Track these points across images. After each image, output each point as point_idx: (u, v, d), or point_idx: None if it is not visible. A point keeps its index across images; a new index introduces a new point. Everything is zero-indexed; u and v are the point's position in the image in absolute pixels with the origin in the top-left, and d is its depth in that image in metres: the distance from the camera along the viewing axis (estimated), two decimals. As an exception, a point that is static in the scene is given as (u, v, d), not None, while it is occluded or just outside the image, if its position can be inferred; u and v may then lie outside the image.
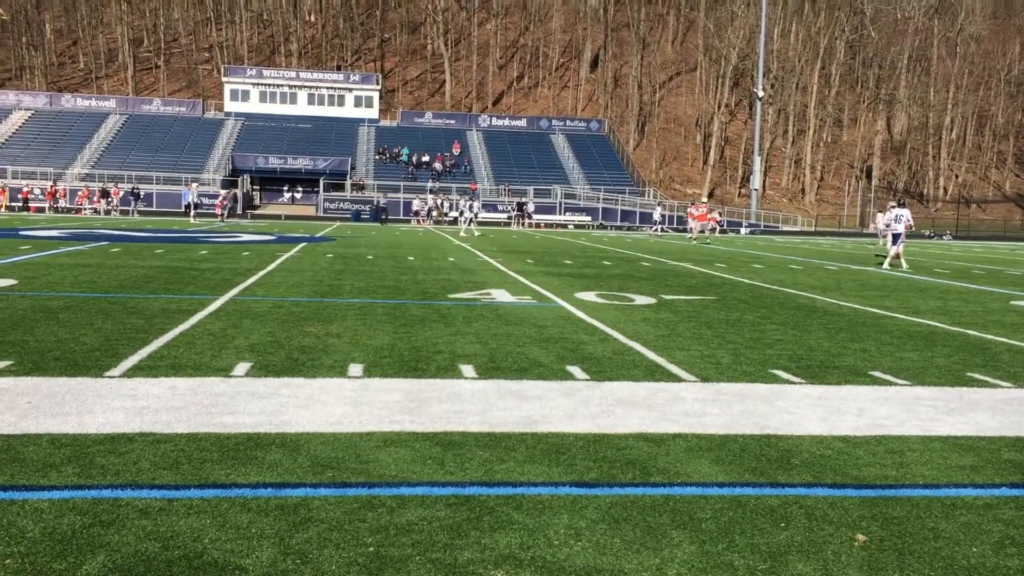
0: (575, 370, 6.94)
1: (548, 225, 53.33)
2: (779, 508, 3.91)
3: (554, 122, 72.08)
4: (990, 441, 5.21)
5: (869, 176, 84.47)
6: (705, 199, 51.91)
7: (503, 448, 4.69)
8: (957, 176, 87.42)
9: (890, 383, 6.88)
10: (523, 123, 71.85)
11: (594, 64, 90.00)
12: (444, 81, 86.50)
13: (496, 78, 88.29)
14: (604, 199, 58.37)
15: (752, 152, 63.11)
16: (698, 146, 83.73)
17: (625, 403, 5.87)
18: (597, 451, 4.70)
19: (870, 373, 7.25)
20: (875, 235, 43.92)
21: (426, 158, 64.07)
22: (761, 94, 59.63)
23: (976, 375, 7.33)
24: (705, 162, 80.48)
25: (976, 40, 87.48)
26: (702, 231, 36.72)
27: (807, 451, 4.85)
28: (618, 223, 56.50)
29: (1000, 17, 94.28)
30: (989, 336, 9.71)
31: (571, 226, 53.99)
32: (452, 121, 71.51)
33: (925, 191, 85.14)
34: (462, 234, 35.10)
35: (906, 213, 22.04)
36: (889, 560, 3.38)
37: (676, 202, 63.02)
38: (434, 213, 52.45)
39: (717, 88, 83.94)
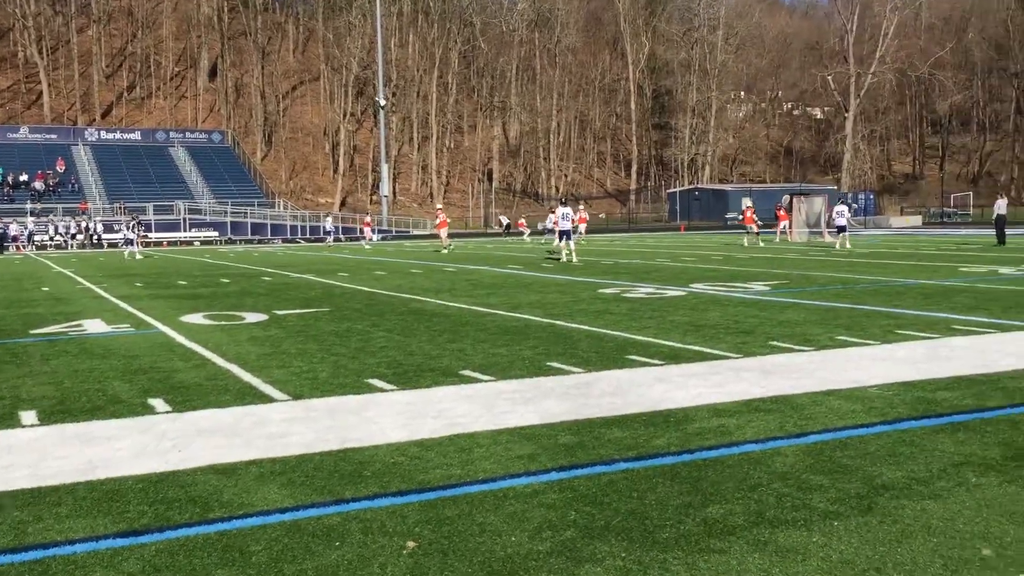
0: (158, 402, 6.51)
1: (171, 243, 50.39)
2: (338, 526, 3.89)
3: (172, 134, 68.39)
4: (552, 427, 5.62)
5: (491, 179, 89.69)
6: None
7: (46, 504, 4.22)
8: (566, 176, 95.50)
9: (477, 380, 7.22)
10: (137, 136, 67.36)
11: (213, 73, 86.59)
12: (41, 92, 78.55)
13: (104, 88, 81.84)
14: (232, 213, 56.38)
15: (380, 159, 64.36)
16: (327, 155, 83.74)
17: (207, 432, 5.58)
18: (158, 492, 4.39)
19: (460, 372, 7.57)
20: (499, 234, 46.73)
21: (24, 177, 57.73)
22: (383, 103, 60.97)
23: (555, 364, 7.92)
24: (336, 171, 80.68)
25: (572, 52, 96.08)
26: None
27: (381, 461, 4.91)
28: (249, 236, 54.85)
29: (591, 31, 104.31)
30: (573, 325, 10.60)
31: (197, 243, 51.49)
32: (54, 136, 65.17)
33: (540, 190, 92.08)
34: (126, 257, 32.24)
35: (569, 211, 24.15)
36: (432, 564, 3.47)
37: (344, 213, 62.47)
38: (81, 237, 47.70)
39: (342, 97, 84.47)
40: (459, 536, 3.75)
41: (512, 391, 6.76)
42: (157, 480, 4.59)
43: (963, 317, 10.58)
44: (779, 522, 3.87)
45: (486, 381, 7.17)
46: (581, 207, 45.15)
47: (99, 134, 66.60)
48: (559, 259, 24.31)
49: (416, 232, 64.56)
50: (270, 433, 5.55)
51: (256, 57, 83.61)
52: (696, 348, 8.68)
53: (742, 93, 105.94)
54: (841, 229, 30.04)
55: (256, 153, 79.02)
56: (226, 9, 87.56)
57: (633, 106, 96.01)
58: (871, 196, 77.03)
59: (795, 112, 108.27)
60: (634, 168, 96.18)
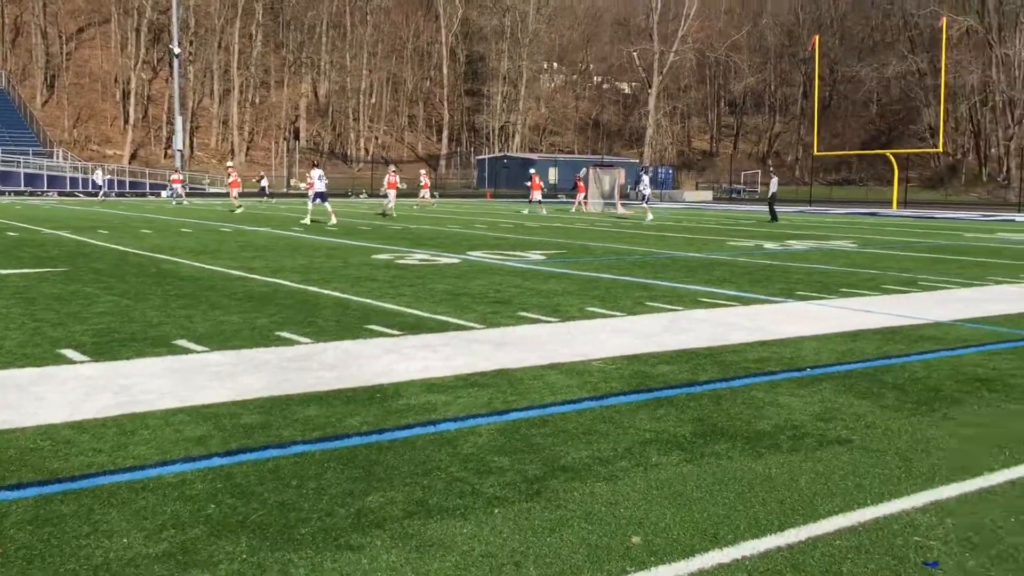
0: None
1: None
2: (-85, 530, 3.28)
3: (-65, 72, 61.83)
4: (242, 405, 5.13)
5: (297, 137, 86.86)
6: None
7: None
8: (377, 138, 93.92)
9: (189, 351, 6.62)
10: None
11: (-13, 8, 78.86)
12: None
13: None
14: (2, 161, 51.67)
15: (175, 111, 60.68)
16: (118, 104, 78.32)
17: None
18: None
19: (175, 342, 6.94)
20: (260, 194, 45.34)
21: None
22: (178, 51, 57.43)
23: (286, 333, 7.41)
24: (126, 122, 75.61)
25: (385, 11, 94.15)
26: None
27: (18, 446, 4.28)
28: (20, 188, 50.45)
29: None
30: (326, 291, 10.09)
31: (-39, 193, 46.87)
32: None
33: (349, 152, 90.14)
34: None
35: (322, 172, 23.92)
36: (8, 573, 2.94)
37: (92, 163, 58.16)
38: None
39: (135, 43, 79.09)
40: (61, 539, 3.23)
41: (220, 364, 6.22)
42: None
43: (713, 289, 10.87)
44: (438, 511, 3.59)
45: (198, 352, 6.59)
46: (423, 172, 44.00)
47: None
48: (316, 225, 23.57)
49: (212, 190, 61.49)
50: (-98, 414, 4.78)
51: (36, -8, 76.75)
52: (443, 318, 8.41)
53: (555, 64, 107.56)
54: (644, 200, 31.29)
55: (36, 98, 72.81)
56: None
57: (446, 70, 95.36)
58: (670, 171, 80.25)
59: (604, 85, 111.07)
60: (445, 133, 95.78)
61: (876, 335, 7.90)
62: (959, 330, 8.22)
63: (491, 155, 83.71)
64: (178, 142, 56.95)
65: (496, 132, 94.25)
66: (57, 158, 56.41)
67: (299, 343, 7.04)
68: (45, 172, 52.77)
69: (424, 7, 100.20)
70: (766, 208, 30.68)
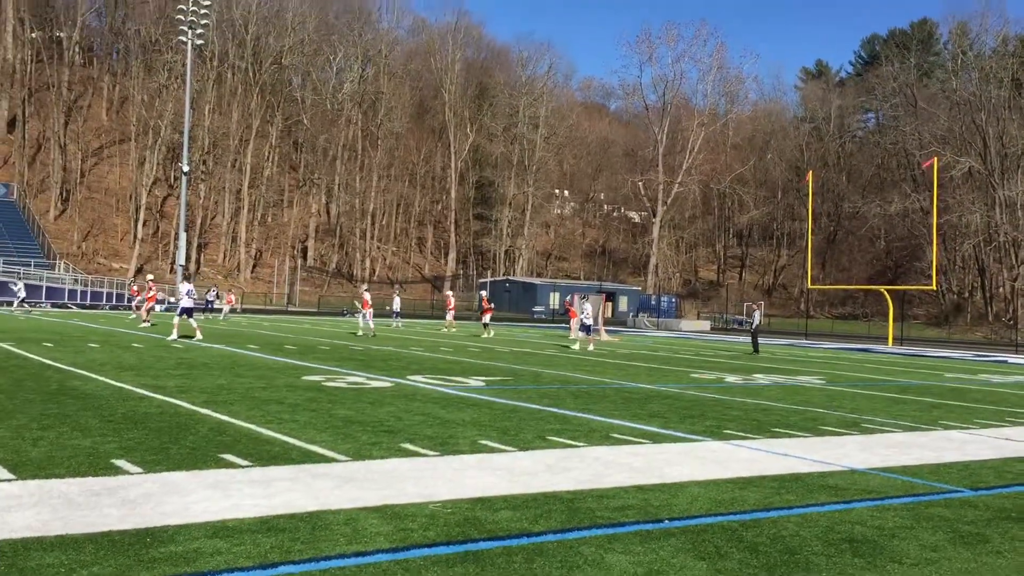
0: None
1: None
2: None
3: (-51, 183, 63.22)
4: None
5: (305, 256, 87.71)
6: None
7: None
8: (385, 258, 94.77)
9: (-9, 479, 6.03)
10: (-92, 181, 61.84)
11: (12, 125, 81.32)
12: None
13: None
14: (2, 272, 52.04)
15: (180, 227, 61.41)
16: (130, 219, 79.59)
17: None
18: None
19: (-14, 468, 6.36)
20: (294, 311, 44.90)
21: None
22: (187, 169, 58.55)
23: (120, 462, 6.83)
24: (135, 236, 76.64)
25: (396, 136, 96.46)
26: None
27: None
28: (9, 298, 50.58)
29: (419, 117, 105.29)
30: (217, 414, 9.50)
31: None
32: None
33: (355, 271, 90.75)
34: None
35: (191, 287, 24.07)
36: None
37: (92, 276, 58.56)
38: None
39: (153, 160, 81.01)
40: None
41: (5, 497, 5.61)
42: None
43: (634, 425, 10.22)
44: None
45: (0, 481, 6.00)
46: (450, 293, 43.58)
47: None
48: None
49: (217, 305, 61.50)
50: None
51: (57, 111, 79.19)
52: (313, 448, 7.80)
53: (566, 192, 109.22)
54: (581, 327, 27.40)
55: (50, 211, 74.12)
56: (33, 60, 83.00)
57: (454, 194, 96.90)
58: (674, 300, 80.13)
59: (614, 214, 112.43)
60: (452, 255, 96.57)
61: (773, 482, 7.23)
62: (869, 480, 7.53)
63: (493, 278, 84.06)
64: (180, 258, 57.39)
65: (502, 256, 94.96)
66: (58, 270, 56.84)
67: (124, 473, 6.44)
68: (44, 284, 53.03)
69: (436, 134, 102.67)
70: (761, 339, 30.11)
